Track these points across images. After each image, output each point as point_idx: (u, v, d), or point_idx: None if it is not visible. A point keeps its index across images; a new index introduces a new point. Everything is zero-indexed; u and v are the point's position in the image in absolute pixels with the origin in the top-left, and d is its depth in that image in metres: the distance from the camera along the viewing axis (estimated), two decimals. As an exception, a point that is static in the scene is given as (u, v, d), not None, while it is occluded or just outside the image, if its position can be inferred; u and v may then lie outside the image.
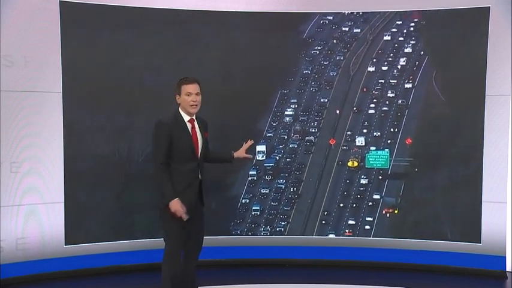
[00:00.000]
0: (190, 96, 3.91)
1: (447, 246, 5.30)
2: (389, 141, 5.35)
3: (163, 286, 3.90)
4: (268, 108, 5.48)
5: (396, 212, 5.40)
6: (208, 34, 5.38)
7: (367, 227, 5.41)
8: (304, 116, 5.45)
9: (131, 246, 5.24)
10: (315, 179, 5.46)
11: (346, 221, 5.44)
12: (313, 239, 5.50)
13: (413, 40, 5.38)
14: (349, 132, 5.44)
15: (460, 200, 5.29)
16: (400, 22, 5.38)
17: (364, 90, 5.43)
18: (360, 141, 5.41)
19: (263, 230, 5.47)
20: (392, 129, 5.37)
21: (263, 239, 5.51)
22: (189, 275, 4.04)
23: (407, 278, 5.11)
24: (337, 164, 5.44)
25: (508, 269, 5.23)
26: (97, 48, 5.15)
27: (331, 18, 5.44)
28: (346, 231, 5.44)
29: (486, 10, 5.14)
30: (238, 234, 5.44)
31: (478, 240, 5.24)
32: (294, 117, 5.47)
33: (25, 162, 4.89)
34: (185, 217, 3.83)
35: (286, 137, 5.47)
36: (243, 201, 5.49)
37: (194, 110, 3.94)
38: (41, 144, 4.96)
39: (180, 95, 3.94)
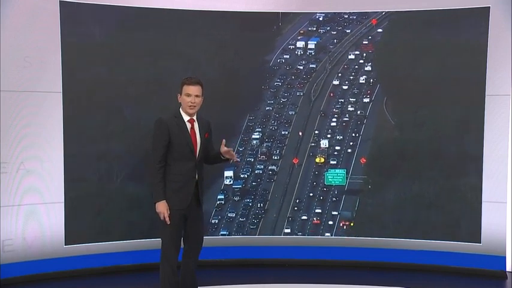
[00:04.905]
0: (189, 97, 3.91)
1: (447, 246, 5.30)
2: (346, 158, 5.55)
3: (162, 286, 3.91)
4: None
5: (352, 224, 5.48)
6: (208, 33, 5.38)
7: (330, 222, 5.52)
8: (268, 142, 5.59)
9: (131, 246, 5.24)
10: (281, 194, 5.58)
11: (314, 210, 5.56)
12: (313, 239, 5.50)
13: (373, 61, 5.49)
14: (316, 132, 5.57)
15: (460, 200, 5.29)
16: (358, 52, 5.49)
17: (331, 95, 5.54)
18: (324, 143, 5.56)
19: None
20: (353, 134, 5.52)
21: (263, 239, 5.51)
22: (188, 275, 4.04)
23: (407, 278, 5.11)
24: (307, 156, 5.59)
25: (508, 269, 5.23)
26: (97, 48, 5.14)
27: (288, 56, 5.54)
28: (315, 219, 5.53)
29: (486, 10, 5.15)
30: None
31: (478, 240, 5.24)
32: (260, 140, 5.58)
33: (25, 162, 4.89)
34: (168, 221, 3.85)
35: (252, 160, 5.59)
36: (212, 221, 5.49)
37: (191, 111, 3.95)
38: (41, 144, 4.96)
39: (181, 94, 3.95)
